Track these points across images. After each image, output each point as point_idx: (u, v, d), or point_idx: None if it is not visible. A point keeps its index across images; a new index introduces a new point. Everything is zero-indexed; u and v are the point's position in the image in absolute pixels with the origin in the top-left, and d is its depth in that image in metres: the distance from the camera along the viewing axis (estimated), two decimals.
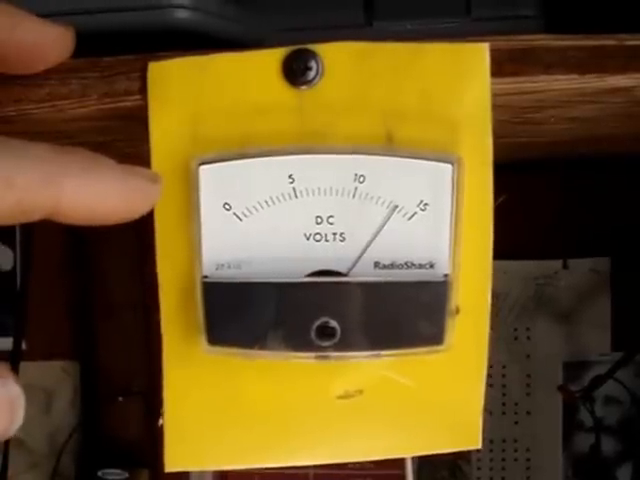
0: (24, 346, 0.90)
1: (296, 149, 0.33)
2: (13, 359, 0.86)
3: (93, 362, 0.93)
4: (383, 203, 0.33)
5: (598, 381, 0.86)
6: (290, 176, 0.33)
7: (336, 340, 0.33)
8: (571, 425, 0.90)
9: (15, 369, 0.86)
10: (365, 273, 0.34)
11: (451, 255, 0.33)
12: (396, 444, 0.36)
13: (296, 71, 0.34)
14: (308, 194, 0.33)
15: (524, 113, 0.38)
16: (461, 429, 0.36)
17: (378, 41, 0.34)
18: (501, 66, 0.33)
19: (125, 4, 0.37)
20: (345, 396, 0.35)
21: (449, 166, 0.33)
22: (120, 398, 0.90)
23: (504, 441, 0.90)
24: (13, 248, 0.95)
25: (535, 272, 0.89)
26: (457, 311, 0.34)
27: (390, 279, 0.33)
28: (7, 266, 0.95)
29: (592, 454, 0.89)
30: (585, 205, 0.86)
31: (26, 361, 0.89)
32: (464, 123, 0.34)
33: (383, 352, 0.34)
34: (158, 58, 0.34)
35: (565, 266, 0.89)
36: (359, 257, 0.34)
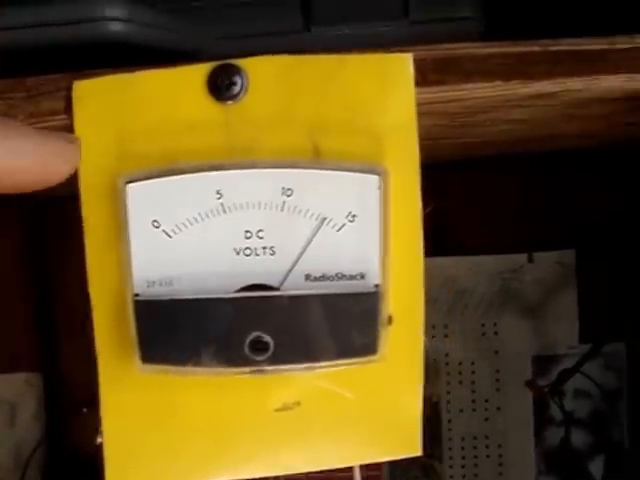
0: None
1: (223, 165, 0.33)
2: None
3: (56, 373, 0.92)
4: (312, 216, 0.33)
5: (565, 375, 0.86)
6: (218, 192, 0.33)
7: (269, 354, 0.33)
8: (542, 420, 0.90)
9: None
10: (296, 286, 0.33)
11: (381, 265, 0.33)
12: (337, 454, 0.36)
13: (221, 86, 0.33)
14: (236, 209, 0.33)
15: (457, 118, 0.38)
16: (400, 437, 0.36)
17: (317, 47, 0.34)
18: (425, 75, 0.33)
19: (58, 18, 0.37)
20: (283, 409, 0.35)
21: (375, 177, 0.33)
22: (84, 409, 0.89)
23: (475, 438, 0.90)
24: None
25: (500, 267, 0.89)
26: (390, 321, 0.34)
27: (321, 291, 0.33)
28: None
29: (563, 448, 0.89)
30: (548, 198, 0.86)
31: None
32: (389, 134, 0.34)
33: (317, 364, 0.34)
34: (84, 76, 0.34)
35: (530, 260, 0.89)
36: (290, 270, 0.34)
